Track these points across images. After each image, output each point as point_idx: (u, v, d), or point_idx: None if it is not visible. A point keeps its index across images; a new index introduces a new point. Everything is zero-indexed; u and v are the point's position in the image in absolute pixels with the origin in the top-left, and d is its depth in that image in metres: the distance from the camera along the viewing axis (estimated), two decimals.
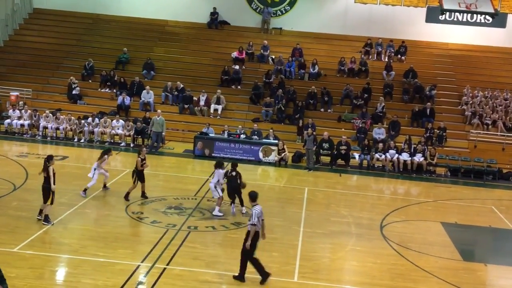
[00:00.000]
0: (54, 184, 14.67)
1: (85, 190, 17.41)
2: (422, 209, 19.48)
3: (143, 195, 17.47)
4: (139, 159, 17.24)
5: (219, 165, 16.91)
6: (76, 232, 14.56)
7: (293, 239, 15.06)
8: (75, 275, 12.00)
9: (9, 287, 8.50)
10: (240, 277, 12.09)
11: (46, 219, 14.71)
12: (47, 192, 14.65)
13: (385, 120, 28.18)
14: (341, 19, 34.03)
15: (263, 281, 12.07)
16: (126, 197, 17.16)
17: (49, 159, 14.81)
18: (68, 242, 13.93)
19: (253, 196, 12.32)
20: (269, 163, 24.34)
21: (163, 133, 25.39)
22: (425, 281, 13.14)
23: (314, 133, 24.37)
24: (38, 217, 14.87)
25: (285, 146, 24.56)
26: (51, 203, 14.72)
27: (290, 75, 30.96)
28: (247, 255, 12.05)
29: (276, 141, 24.90)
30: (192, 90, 29.21)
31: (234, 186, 16.81)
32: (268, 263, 13.20)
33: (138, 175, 17.24)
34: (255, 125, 26.54)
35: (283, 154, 24.30)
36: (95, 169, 17.77)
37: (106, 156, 17.89)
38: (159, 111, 26.31)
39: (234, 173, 16.92)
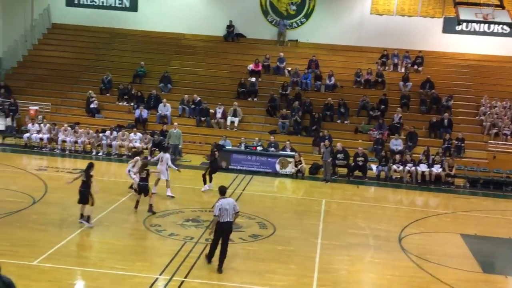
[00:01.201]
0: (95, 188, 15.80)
1: (131, 186, 18.84)
2: (441, 220, 19.32)
3: (137, 207, 17.35)
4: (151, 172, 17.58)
5: (166, 149, 19.57)
6: (94, 245, 14.68)
7: (311, 251, 14.99)
8: None
9: None
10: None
11: (88, 220, 15.54)
12: (85, 195, 15.49)
13: (402, 131, 28.03)
14: (357, 31, 34.00)
15: (207, 258, 13.39)
16: (150, 209, 17.16)
17: (91, 166, 15.72)
18: (87, 255, 14.02)
19: (222, 191, 13.33)
20: (286, 175, 24.34)
21: (180, 146, 25.54)
22: None
23: (331, 144, 24.32)
24: (80, 221, 15.55)
25: (301, 158, 24.54)
26: (92, 204, 15.61)
27: (306, 87, 30.96)
28: (213, 239, 13.28)
29: (293, 153, 24.90)
30: (208, 102, 29.36)
31: (217, 167, 20.46)
32: (286, 276, 13.20)
33: (146, 187, 17.24)
34: (272, 137, 26.56)
35: (300, 166, 24.27)
36: (129, 171, 18.76)
37: (138, 157, 18.71)
38: (175, 123, 26.46)
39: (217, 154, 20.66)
